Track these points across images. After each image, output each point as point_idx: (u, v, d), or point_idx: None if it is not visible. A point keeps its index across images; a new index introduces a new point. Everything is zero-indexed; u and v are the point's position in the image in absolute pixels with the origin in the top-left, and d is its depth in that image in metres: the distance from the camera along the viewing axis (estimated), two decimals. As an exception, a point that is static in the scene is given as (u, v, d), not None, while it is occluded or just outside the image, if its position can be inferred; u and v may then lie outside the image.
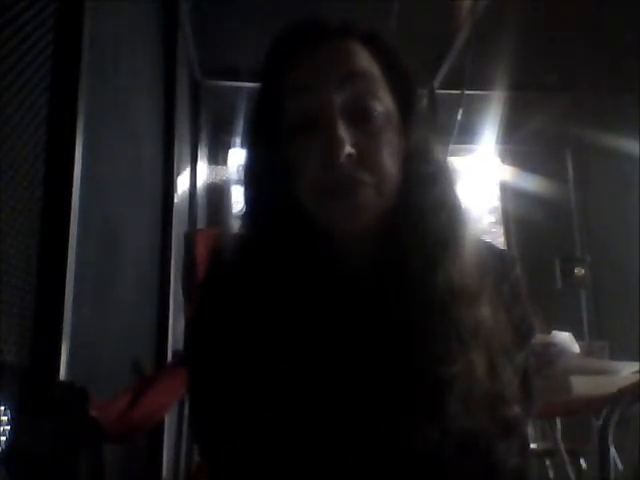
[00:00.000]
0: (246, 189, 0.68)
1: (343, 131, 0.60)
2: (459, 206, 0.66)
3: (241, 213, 0.68)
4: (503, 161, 4.21)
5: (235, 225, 0.69)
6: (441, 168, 0.67)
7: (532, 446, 2.33)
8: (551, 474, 2.43)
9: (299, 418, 0.58)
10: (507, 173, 4.17)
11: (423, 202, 0.63)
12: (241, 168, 0.69)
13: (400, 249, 0.61)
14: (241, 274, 0.64)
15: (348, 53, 0.65)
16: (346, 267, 0.63)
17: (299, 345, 0.59)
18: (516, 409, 0.63)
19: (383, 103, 0.64)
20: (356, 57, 0.64)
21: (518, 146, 4.06)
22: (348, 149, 0.59)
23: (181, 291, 2.06)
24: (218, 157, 3.87)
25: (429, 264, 0.60)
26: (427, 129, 0.68)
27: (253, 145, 0.68)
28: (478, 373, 0.59)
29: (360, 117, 0.62)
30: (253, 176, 0.67)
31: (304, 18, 0.68)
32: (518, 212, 4.05)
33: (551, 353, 2.01)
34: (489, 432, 0.60)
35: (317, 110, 0.62)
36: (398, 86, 0.66)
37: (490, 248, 0.72)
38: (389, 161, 0.62)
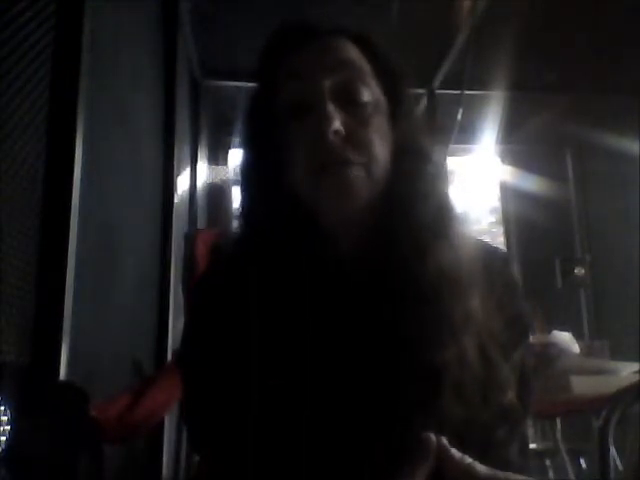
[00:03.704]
0: (242, 183, 0.69)
1: (332, 109, 0.62)
2: (446, 197, 0.67)
3: (239, 209, 0.69)
4: (503, 161, 4.21)
5: (235, 225, 0.69)
6: (429, 160, 0.67)
7: (532, 446, 2.33)
8: (551, 474, 2.43)
9: (293, 410, 0.58)
10: (507, 173, 4.17)
11: (410, 192, 0.64)
12: (239, 165, 0.70)
13: (389, 238, 0.62)
14: (236, 270, 0.64)
15: (338, 47, 0.67)
16: (338, 257, 0.64)
17: (292, 338, 0.60)
18: (510, 395, 0.63)
19: (372, 92, 0.66)
20: (345, 50, 0.67)
21: (518, 146, 4.07)
22: (337, 125, 0.61)
23: (181, 291, 2.06)
24: (218, 157, 3.88)
25: (418, 252, 0.61)
26: (416, 123, 0.70)
27: (248, 140, 0.70)
28: (470, 361, 0.60)
29: (350, 102, 0.64)
30: (249, 171, 0.69)
31: (296, 19, 0.70)
32: (518, 212, 4.05)
33: (551, 353, 2.01)
34: (485, 420, 0.60)
35: (308, 94, 0.64)
36: (387, 83, 0.68)
37: (483, 246, 0.72)
38: (378, 144, 0.64)
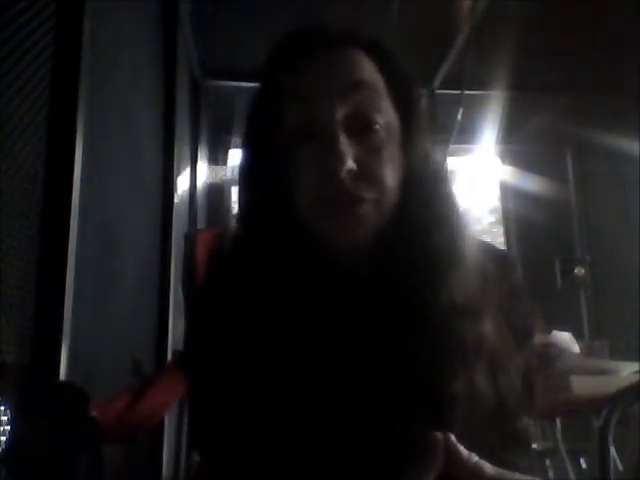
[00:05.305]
0: (243, 196, 0.67)
1: (345, 145, 0.58)
2: (461, 221, 0.64)
3: (238, 217, 0.66)
4: (503, 161, 4.21)
5: (234, 227, 0.68)
6: (442, 182, 0.65)
7: (533, 445, 2.32)
8: (551, 474, 2.43)
9: (295, 413, 0.58)
10: (507, 173, 4.17)
11: (424, 218, 0.61)
12: (238, 173, 0.67)
13: (400, 265, 0.60)
14: (238, 275, 0.63)
15: (350, 62, 0.63)
16: (345, 278, 0.62)
17: (297, 352, 0.59)
18: (525, 421, 0.62)
19: (384, 115, 0.62)
20: (358, 67, 0.63)
21: (518, 146, 4.07)
22: (349, 164, 0.58)
23: (181, 291, 2.06)
24: (218, 157, 3.87)
25: (431, 281, 0.59)
26: (429, 141, 0.67)
27: (250, 152, 0.67)
28: (482, 390, 0.58)
29: (361, 129, 0.61)
30: (250, 183, 0.66)
31: (306, 24, 0.66)
32: (518, 212, 4.05)
33: (551, 353, 2.01)
34: (498, 447, 0.59)
35: (318, 120, 0.60)
36: (400, 97, 0.65)
37: (491, 251, 0.71)
38: (390, 176, 0.61)
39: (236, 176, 0.67)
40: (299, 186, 0.61)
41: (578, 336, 2.32)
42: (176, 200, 2.48)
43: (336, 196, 0.59)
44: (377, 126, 0.61)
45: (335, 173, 0.57)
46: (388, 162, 0.61)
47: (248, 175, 0.67)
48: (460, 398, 0.57)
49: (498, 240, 4.04)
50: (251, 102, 0.67)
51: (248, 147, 0.68)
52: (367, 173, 0.60)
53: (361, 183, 0.59)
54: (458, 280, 0.60)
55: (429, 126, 0.68)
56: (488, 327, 0.60)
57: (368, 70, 0.63)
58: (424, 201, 0.62)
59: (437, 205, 0.63)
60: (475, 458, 0.48)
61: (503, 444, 0.60)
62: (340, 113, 0.60)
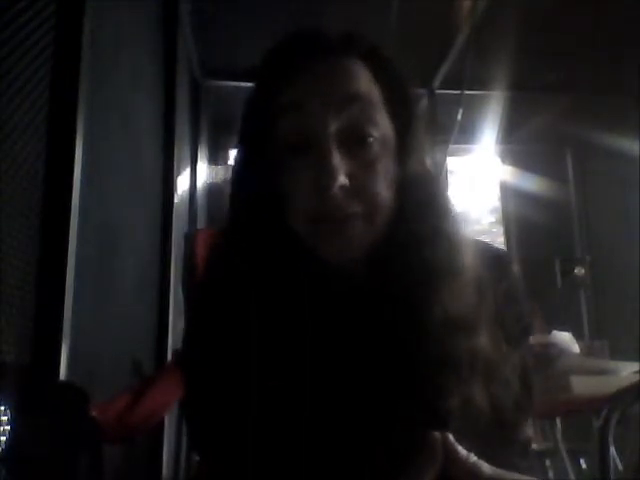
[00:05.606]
0: (236, 196, 0.66)
1: (337, 160, 0.58)
2: (457, 232, 0.63)
3: (230, 217, 0.66)
4: (503, 161, 4.22)
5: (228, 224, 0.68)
6: (438, 192, 0.65)
7: (532, 446, 2.32)
8: (551, 474, 2.43)
9: (294, 412, 0.58)
10: (507, 173, 4.18)
11: (419, 230, 0.60)
12: (231, 171, 0.67)
13: (395, 275, 0.59)
14: (235, 274, 0.63)
15: (347, 73, 0.62)
16: (340, 284, 0.61)
17: (295, 352, 0.59)
18: (525, 427, 0.62)
19: (380, 128, 0.62)
20: (355, 78, 0.62)
21: (518, 146, 4.07)
22: (342, 180, 0.57)
23: (181, 291, 2.06)
24: (218, 157, 3.88)
25: (425, 296, 0.58)
26: (425, 150, 0.66)
27: (244, 152, 0.67)
28: (478, 403, 0.58)
29: (355, 143, 0.60)
30: (243, 184, 0.66)
31: (303, 29, 0.65)
32: (518, 212, 4.05)
33: (551, 353, 2.02)
34: (497, 447, 0.58)
35: (311, 133, 0.60)
36: (397, 107, 0.64)
37: (488, 251, 0.71)
38: (383, 191, 0.60)
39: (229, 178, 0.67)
40: (291, 198, 0.61)
41: (578, 336, 2.32)
42: (176, 200, 2.48)
43: (327, 212, 0.58)
44: (371, 139, 0.61)
45: (327, 189, 0.57)
46: (382, 176, 0.61)
47: (242, 176, 0.66)
48: (457, 406, 0.57)
49: (498, 240, 4.05)
50: (246, 102, 0.67)
51: (242, 147, 0.67)
52: (360, 188, 0.59)
53: (353, 199, 0.59)
54: (453, 294, 0.59)
55: (426, 134, 0.67)
56: (483, 339, 0.60)
57: (365, 82, 0.62)
58: (419, 213, 0.61)
59: (433, 217, 0.62)
60: (473, 458, 0.48)
61: (502, 445, 0.60)
62: (334, 126, 0.59)
